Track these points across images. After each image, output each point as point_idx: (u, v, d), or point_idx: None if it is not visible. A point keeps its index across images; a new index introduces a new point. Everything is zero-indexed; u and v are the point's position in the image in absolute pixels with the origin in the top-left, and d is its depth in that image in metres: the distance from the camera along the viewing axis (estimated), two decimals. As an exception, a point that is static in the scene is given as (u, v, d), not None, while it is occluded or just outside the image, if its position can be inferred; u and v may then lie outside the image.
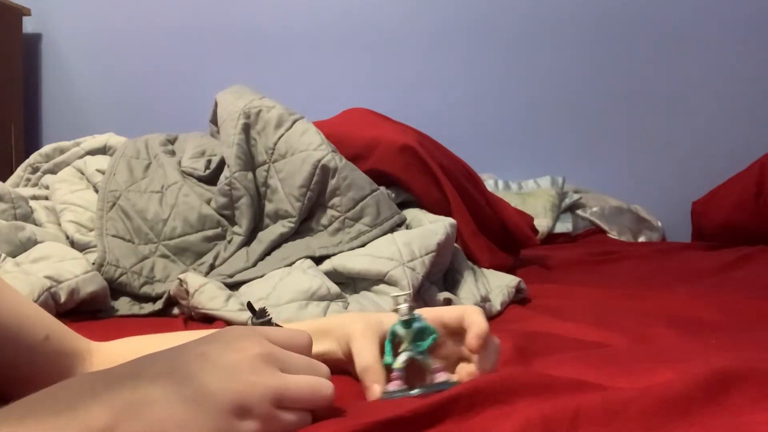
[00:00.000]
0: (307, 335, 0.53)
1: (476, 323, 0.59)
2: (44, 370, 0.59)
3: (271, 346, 0.49)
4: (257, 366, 0.46)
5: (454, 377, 0.59)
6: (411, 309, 0.59)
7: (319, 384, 0.49)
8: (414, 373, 0.60)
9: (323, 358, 0.60)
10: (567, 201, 2.45)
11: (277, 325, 0.59)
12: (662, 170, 2.68)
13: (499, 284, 1.21)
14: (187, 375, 0.44)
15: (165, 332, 0.73)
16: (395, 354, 0.59)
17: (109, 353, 0.64)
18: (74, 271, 1.03)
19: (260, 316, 0.59)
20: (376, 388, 0.58)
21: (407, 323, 0.59)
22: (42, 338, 0.59)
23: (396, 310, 0.59)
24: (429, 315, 0.61)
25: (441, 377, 0.58)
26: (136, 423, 0.40)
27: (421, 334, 0.59)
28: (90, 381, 0.43)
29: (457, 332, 0.61)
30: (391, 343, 0.60)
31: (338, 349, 0.64)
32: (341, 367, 0.64)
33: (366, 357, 0.60)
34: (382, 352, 0.61)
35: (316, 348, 0.60)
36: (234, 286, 1.11)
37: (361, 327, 0.62)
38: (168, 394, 0.42)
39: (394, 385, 0.58)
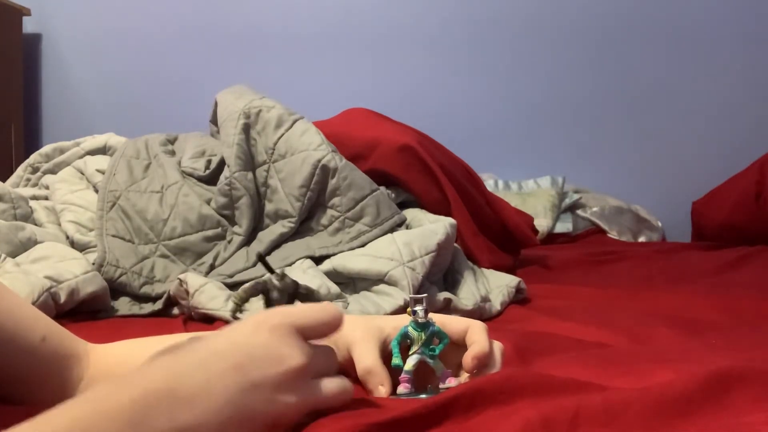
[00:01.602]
0: (338, 312, 0.52)
1: (478, 343, 0.59)
2: (41, 371, 0.59)
3: (309, 352, 0.49)
4: (295, 383, 0.47)
5: (463, 381, 0.59)
6: (426, 312, 0.59)
7: (345, 388, 0.51)
8: (421, 376, 0.59)
9: None
10: (567, 201, 2.45)
11: (296, 283, 0.58)
12: (662, 170, 2.68)
13: (499, 284, 1.21)
14: (226, 398, 0.44)
15: (164, 333, 0.73)
16: (403, 357, 0.59)
17: (106, 355, 0.64)
18: (74, 271, 1.03)
19: (280, 279, 0.57)
20: (381, 390, 0.58)
21: (422, 326, 0.59)
22: (39, 339, 0.58)
23: (413, 312, 0.59)
24: (435, 321, 0.61)
25: (451, 382, 0.58)
26: None
27: (433, 338, 0.59)
28: None
29: (459, 343, 0.61)
30: (399, 345, 0.59)
31: (337, 354, 0.64)
32: (340, 371, 0.64)
33: (367, 360, 0.59)
34: (383, 357, 0.61)
35: None
36: (234, 286, 1.11)
37: (360, 333, 0.61)
38: (206, 418, 0.43)
39: (404, 388, 0.58)
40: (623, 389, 0.51)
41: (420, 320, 0.59)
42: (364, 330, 0.62)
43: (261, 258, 0.59)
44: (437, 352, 0.59)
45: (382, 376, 0.59)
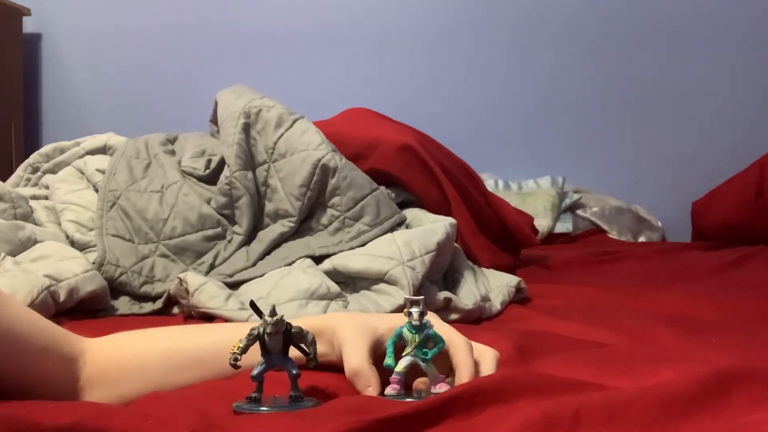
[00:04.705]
0: None
1: (464, 364, 0.58)
2: (45, 377, 0.60)
3: None
4: None
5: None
6: (422, 315, 0.58)
7: None
8: (414, 378, 0.59)
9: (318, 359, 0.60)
10: (567, 201, 2.44)
11: (289, 323, 0.58)
12: (662, 170, 2.68)
13: (499, 284, 1.21)
14: None
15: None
16: (398, 357, 0.59)
17: (102, 348, 0.65)
18: (74, 270, 1.03)
19: (272, 316, 0.57)
20: (369, 392, 0.58)
21: (417, 328, 0.58)
22: (40, 350, 0.59)
23: (408, 314, 0.58)
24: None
25: (442, 387, 0.57)
26: None
27: (428, 341, 0.58)
28: None
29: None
30: (393, 345, 0.59)
31: (332, 352, 0.63)
32: (338, 367, 0.64)
33: (354, 361, 0.59)
34: (376, 356, 0.60)
35: None
36: (234, 286, 1.11)
37: (352, 332, 0.61)
38: None
39: (392, 390, 0.57)
40: (624, 388, 0.51)
41: (414, 322, 0.58)
42: (356, 330, 0.61)
43: (252, 304, 0.59)
44: (430, 356, 0.58)
45: (369, 377, 0.58)
